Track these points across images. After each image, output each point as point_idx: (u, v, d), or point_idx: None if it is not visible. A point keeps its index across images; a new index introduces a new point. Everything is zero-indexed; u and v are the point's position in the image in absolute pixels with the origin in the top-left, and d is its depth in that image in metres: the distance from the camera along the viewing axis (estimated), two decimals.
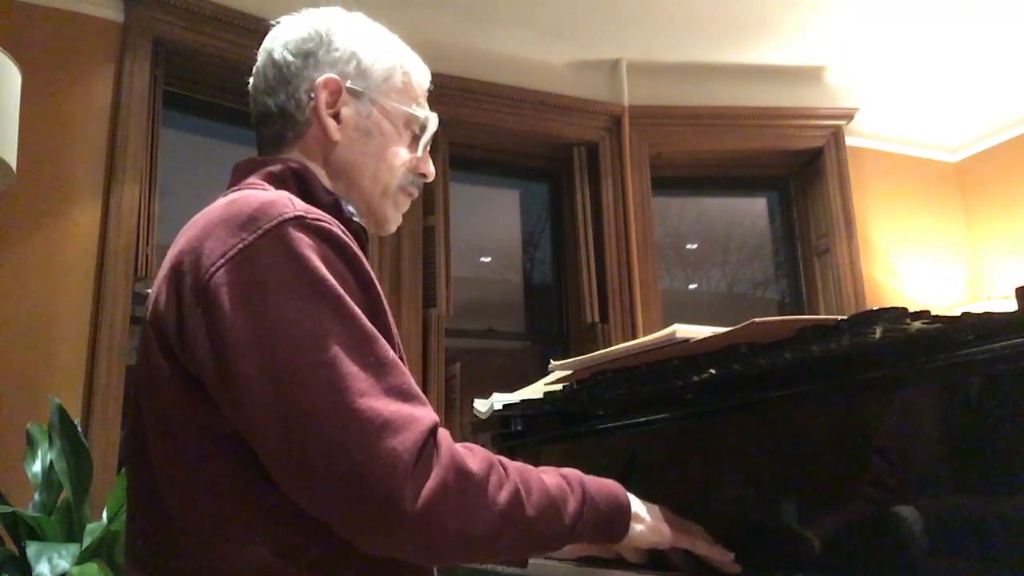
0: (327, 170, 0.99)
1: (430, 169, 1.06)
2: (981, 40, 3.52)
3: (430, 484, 0.74)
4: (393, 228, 1.06)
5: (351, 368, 0.75)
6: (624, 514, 0.91)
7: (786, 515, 0.90)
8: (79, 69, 2.74)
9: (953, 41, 3.54)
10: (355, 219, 0.96)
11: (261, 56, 1.02)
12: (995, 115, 4.00)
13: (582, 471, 0.91)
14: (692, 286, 4.28)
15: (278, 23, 1.03)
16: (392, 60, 1.02)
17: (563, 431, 1.36)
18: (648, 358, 1.02)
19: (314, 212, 0.83)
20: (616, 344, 1.12)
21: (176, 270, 0.82)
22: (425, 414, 0.77)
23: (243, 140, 3.04)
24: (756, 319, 0.86)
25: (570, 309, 3.70)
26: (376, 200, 1.01)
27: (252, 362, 0.74)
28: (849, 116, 3.90)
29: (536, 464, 0.88)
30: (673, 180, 3.97)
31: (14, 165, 1.97)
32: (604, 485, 0.90)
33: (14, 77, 2.00)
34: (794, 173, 4.09)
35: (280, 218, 0.80)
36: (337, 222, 0.85)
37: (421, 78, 1.06)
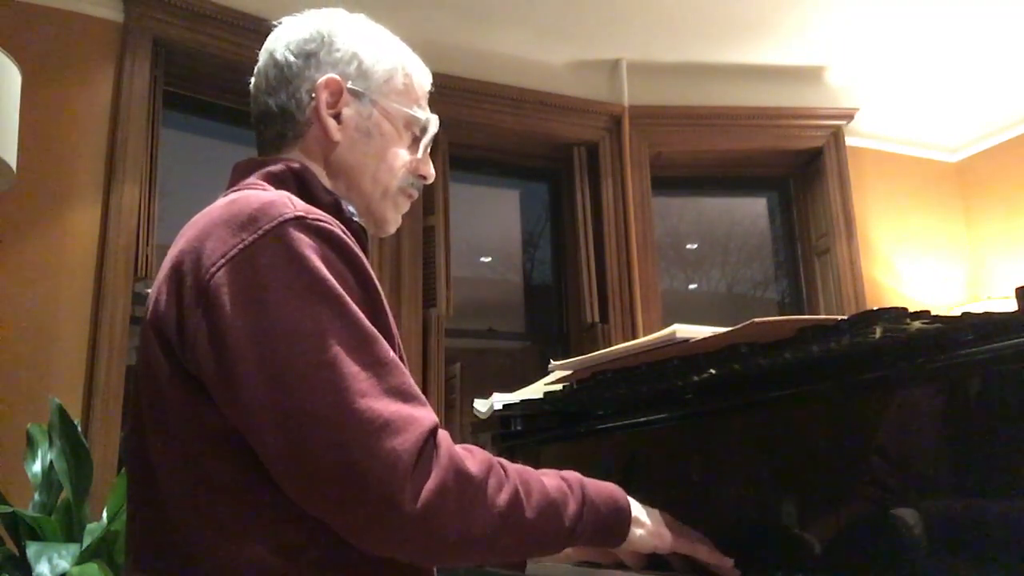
0: (327, 170, 0.99)
1: (430, 171, 1.06)
2: (981, 40, 3.52)
3: (429, 485, 0.74)
4: (392, 229, 1.06)
5: (351, 368, 0.75)
6: (624, 518, 0.90)
7: (786, 515, 0.90)
8: (79, 69, 2.75)
9: (953, 41, 3.54)
10: (355, 219, 0.96)
11: (263, 56, 1.02)
12: (995, 115, 4.00)
13: (582, 471, 0.91)
14: (692, 286, 4.28)
15: (280, 23, 1.03)
16: (393, 61, 1.02)
17: (563, 431, 1.36)
18: (648, 358, 1.02)
19: (314, 212, 0.83)
20: (616, 344, 1.12)
21: (176, 270, 0.82)
22: (425, 415, 0.77)
23: (243, 140, 3.04)
24: (756, 319, 0.86)
25: (570, 309, 3.70)
26: (376, 201, 1.01)
27: (252, 362, 0.75)
28: (849, 116, 3.90)
29: (536, 464, 0.88)
30: (673, 180, 3.98)
31: (14, 165, 1.97)
32: (604, 488, 0.90)
33: (14, 77, 2.00)
34: (794, 173, 4.09)
35: (280, 218, 0.80)
36: (337, 222, 0.85)
37: (422, 80, 1.06)
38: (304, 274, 0.78)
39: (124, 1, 2.83)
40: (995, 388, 0.72)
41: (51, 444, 2.03)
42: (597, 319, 3.52)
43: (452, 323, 3.39)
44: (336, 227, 0.83)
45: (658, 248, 3.77)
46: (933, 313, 0.79)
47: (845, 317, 0.82)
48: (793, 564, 0.86)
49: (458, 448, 0.80)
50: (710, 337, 0.93)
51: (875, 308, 0.79)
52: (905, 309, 0.79)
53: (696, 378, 0.99)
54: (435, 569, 0.90)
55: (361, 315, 0.79)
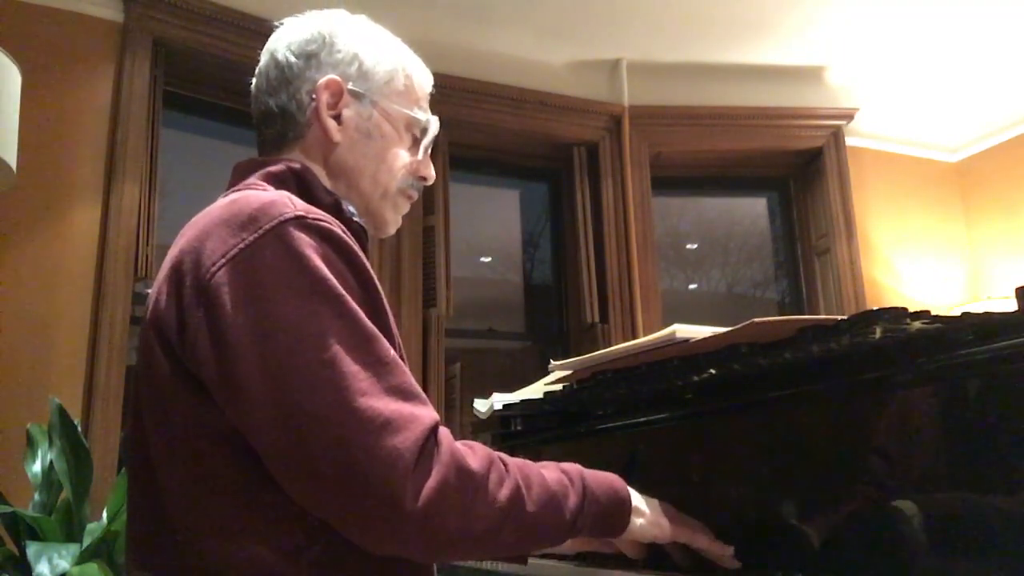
0: (327, 171, 0.99)
1: (430, 172, 1.06)
2: (981, 40, 3.52)
3: (431, 482, 0.74)
4: (392, 230, 1.06)
5: (352, 367, 0.75)
6: (624, 508, 0.91)
7: (786, 515, 0.90)
8: (79, 69, 2.75)
9: (953, 41, 3.54)
10: (355, 219, 0.96)
11: (264, 57, 1.02)
12: (995, 115, 4.00)
13: None
14: (692, 286, 4.28)
15: (282, 24, 1.04)
16: (394, 63, 1.02)
17: (563, 431, 1.36)
18: (648, 358, 1.02)
19: (315, 212, 0.83)
20: (616, 344, 1.12)
21: (177, 270, 0.82)
22: (426, 413, 0.77)
23: (243, 140, 3.04)
24: (756, 319, 0.86)
25: (570, 309, 3.70)
26: (375, 202, 1.01)
27: (253, 361, 0.75)
28: (849, 116, 3.90)
29: None
30: (673, 180, 3.98)
31: (14, 165, 1.97)
32: (604, 479, 0.91)
33: (14, 77, 2.00)
34: (794, 173, 4.09)
35: (281, 218, 0.80)
36: (337, 222, 0.85)
37: (423, 81, 1.06)
38: (304, 273, 0.78)
39: (124, 1, 2.83)
40: (995, 388, 0.72)
41: (51, 444, 2.03)
42: (597, 319, 3.52)
43: (452, 323, 3.39)
44: (336, 227, 0.84)
45: (658, 248, 3.77)
46: (933, 313, 0.79)
47: (845, 317, 0.82)
48: (793, 564, 0.86)
49: (459, 444, 0.80)
50: (710, 337, 0.93)
51: (875, 308, 0.79)
52: (905, 309, 0.79)
53: (696, 378, 0.99)
54: (435, 566, 0.90)
55: (361, 314, 0.79)
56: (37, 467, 2.09)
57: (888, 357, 0.81)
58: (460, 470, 0.77)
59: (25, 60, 2.11)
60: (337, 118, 0.98)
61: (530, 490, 0.82)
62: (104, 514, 2.07)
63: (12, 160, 1.95)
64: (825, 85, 3.88)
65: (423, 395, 0.80)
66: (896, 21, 3.42)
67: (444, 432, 0.79)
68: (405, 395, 0.77)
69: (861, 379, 0.85)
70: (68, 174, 2.65)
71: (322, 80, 0.97)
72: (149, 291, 0.88)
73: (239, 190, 0.90)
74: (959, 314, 0.77)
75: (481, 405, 1.47)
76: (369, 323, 0.79)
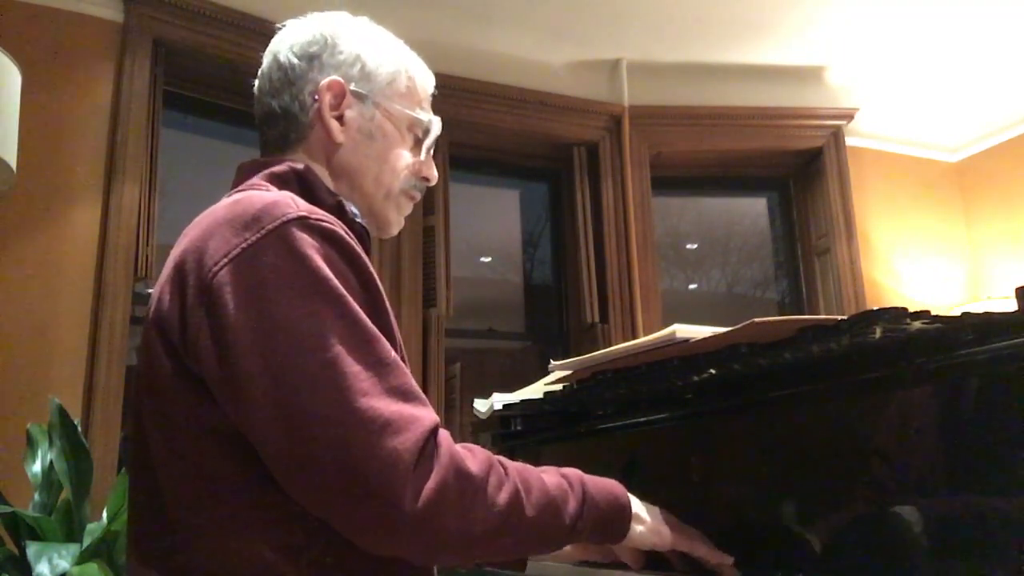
0: (330, 172, 0.99)
1: (433, 173, 1.06)
2: (981, 40, 3.52)
3: (430, 484, 0.74)
4: (395, 231, 1.06)
5: (353, 368, 0.75)
6: (624, 514, 0.91)
7: (786, 515, 0.90)
8: (79, 69, 2.74)
9: (953, 41, 3.54)
10: (358, 220, 0.96)
11: (266, 58, 1.02)
12: (995, 115, 4.00)
13: (582, 471, 0.91)
14: (692, 286, 4.28)
15: (284, 26, 1.04)
16: (396, 64, 1.03)
17: (563, 431, 1.36)
18: (648, 358, 1.02)
19: (317, 212, 0.83)
20: (616, 344, 1.12)
21: (179, 270, 0.82)
22: (426, 414, 0.77)
23: (243, 140, 3.05)
24: (756, 319, 0.86)
25: (570, 309, 3.70)
26: (378, 203, 1.01)
27: (254, 361, 0.75)
28: (849, 116, 3.90)
29: (537, 464, 0.89)
30: (673, 180, 3.98)
31: (14, 165, 1.97)
32: (605, 485, 0.91)
33: (14, 77, 2.00)
34: (794, 173, 4.09)
35: (283, 218, 0.80)
36: (340, 223, 0.85)
37: (425, 82, 1.06)
38: (306, 274, 0.78)
39: (124, 1, 2.82)
40: (995, 388, 0.72)
41: (51, 444, 2.03)
42: (597, 319, 3.52)
43: (452, 323, 3.39)
44: (338, 227, 0.84)
45: (658, 248, 3.77)
46: (933, 313, 0.79)
47: (845, 317, 0.82)
48: (793, 564, 0.86)
49: (459, 447, 0.80)
50: (710, 337, 0.93)
51: (875, 308, 0.79)
52: (905, 309, 0.79)
53: (696, 378, 1.00)
54: (435, 568, 0.90)
55: (363, 315, 0.79)
56: (37, 467, 2.09)
57: (888, 357, 0.82)
58: (459, 472, 0.77)
59: (25, 60, 2.11)
60: (340, 119, 0.98)
61: (529, 494, 0.82)
62: (104, 514, 2.07)
63: (12, 160, 1.95)
64: (825, 85, 3.88)
65: (423, 396, 0.80)
66: (896, 21, 3.42)
67: (444, 434, 0.79)
68: (406, 396, 0.77)
69: (861, 379, 0.85)
70: (68, 174, 2.65)
71: (324, 81, 0.98)
72: (149, 291, 0.88)
73: (242, 190, 0.91)
74: (959, 314, 0.78)
75: (481, 405, 1.47)
76: (370, 324, 0.79)
